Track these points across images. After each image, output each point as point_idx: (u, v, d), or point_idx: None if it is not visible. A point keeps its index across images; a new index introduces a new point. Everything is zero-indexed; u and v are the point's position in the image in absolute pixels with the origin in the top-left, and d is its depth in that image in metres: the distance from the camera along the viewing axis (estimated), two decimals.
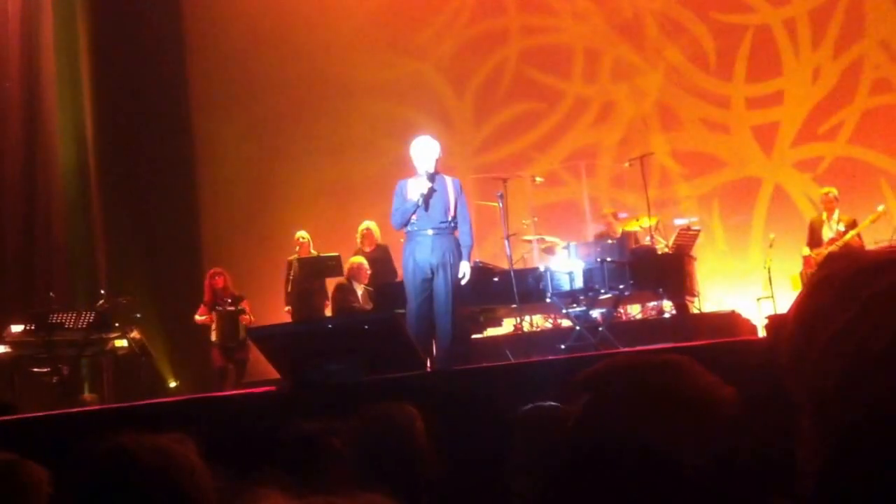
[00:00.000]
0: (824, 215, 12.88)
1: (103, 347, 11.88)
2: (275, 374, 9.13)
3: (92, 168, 14.84)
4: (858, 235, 12.51)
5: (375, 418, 3.83)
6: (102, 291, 12.93)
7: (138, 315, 12.83)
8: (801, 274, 12.61)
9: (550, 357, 9.50)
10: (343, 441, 3.87)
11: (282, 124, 16.42)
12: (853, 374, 1.31)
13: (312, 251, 13.22)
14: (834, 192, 12.91)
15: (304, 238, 13.24)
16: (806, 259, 12.68)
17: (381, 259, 12.58)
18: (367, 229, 12.85)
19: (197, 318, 12.81)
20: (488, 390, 7.02)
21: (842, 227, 12.64)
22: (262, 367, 10.78)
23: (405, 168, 9.51)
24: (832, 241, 12.53)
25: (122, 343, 11.97)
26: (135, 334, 12.24)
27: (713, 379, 1.85)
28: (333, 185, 16.03)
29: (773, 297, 12.98)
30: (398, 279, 11.58)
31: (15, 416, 7.88)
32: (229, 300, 12.80)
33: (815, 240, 12.78)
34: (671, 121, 15.60)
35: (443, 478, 3.91)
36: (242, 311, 12.76)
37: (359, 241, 12.87)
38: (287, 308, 13.06)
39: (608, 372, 1.85)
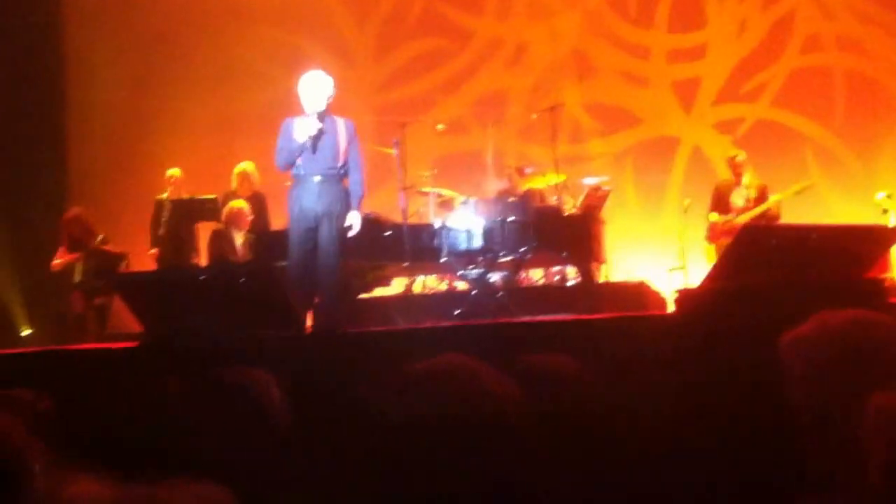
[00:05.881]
0: (732, 180, 12.84)
1: None
2: (139, 326, 8.92)
3: None
4: (777, 205, 12.49)
5: (221, 385, 3.66)
6: None
7: None
8: (716, 247, 12.57)
9: (443, 323, 9.41)
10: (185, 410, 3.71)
11: (159, 45, 15.81)
12: None
13: (184, 193, 12.91)
14: (742, 155, 12.85)
15: (175, 176, 12.90)
16: (713, 226, 12.66)
17: (255, 207, 12.26)
18: (245, 172, 12.52)
19: (56, 262, 12.35)
20: (371, 356, 6.92)
21: (753, 194, 12.61)
22: (126, 317, 10.53)
23: (296, 103, 9.26)
24: (745, 209, 12.51)
25: None
26: None
27: (497, 377, 2.15)
28: (216, 118, 15.52)
29: (685, 267, 13.00)
30: (270, 229, 11.41)
31: None
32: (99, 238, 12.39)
33: (722, 205, 12.71)
34: (586, 70, 15.49)
35: (304, 454, 3.79)
36: (124, 258, 12.38)
37: (234, 184, 12.55)
38: (152, 251, 12.76)
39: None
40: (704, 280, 8.47)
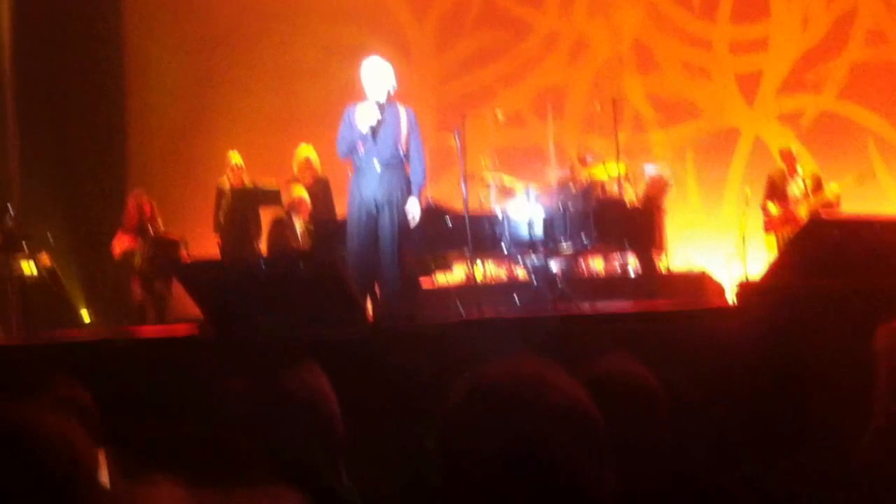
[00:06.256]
0: (786, 171, 12.67)
1: (9, 272, 11.54)
2: (199, 313, 8.87)
3: (7, 74, 14.30)
4: (836, 195, 12.31)
5: (278, 386, 3.55)
6: (11, 211, 12.46)
7: (50, 238, 12.49)
8: (776, 237, 12.41)
9: (507, 315, 9.32)
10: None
11: (220, 42, 15.88)
12: None
13: (246, 180, 12.80)
14: (794, 147, 12.78)
15: (237, 163, 12.79)
16: (770, 216, 12.50)
17: (320, 193, 12.19)
18: (307, 159, 12.40)
19: (116, 245, 12.30)
20: (434, 349, 6.83)
21: (809, 184, 12.44)
22: (186, 304, 10.52)
23: (354, 97, 9.19)
24: (801, 199, 12.33)
25: (30, 269, 11.63)
26: (45, 260, 11.91)
27: (569, 383, 2.07)
28: (275, 112, 15.55)
29: (745, 257, 12.83)
30: (335, 216, 11.32)
31: None
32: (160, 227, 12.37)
33: (777, 194, 12.56)
34: (648, 62, 15.33)
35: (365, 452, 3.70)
36: (183, 244, 12.35)
37: (296, 170, 12.44)
38: (216, 238, 12.70)
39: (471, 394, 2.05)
40: (767, 273, 8.31)
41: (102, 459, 2.42)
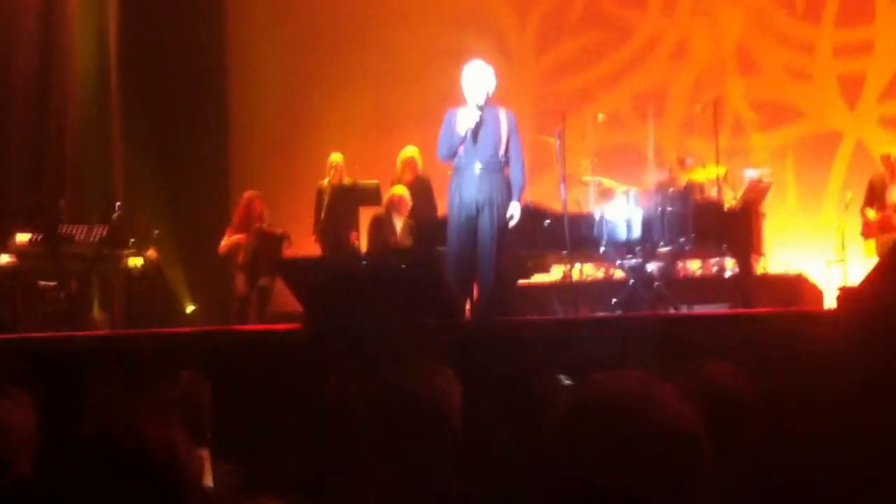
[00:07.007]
0: (887, 177, 12.46)
1: (116, 265, 11.74)
2: (300, 308, 8.94)
3: (113, 74, 14.58)
4: None
5: (401, 388, 3.40)
6: (118, 204, 12.63)
7: (156, 232, 12.67)
8: (876, 243, 12.21)
9: (599, 315, 9.29)
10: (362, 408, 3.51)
11: (321, 44, 16.06)
12: None
13: (346, 179, 12.85)
14: (895, 152, 12.56)
15: (337, 162, 12.86)
16: (868, 222, 12.30)
17: (421, 191, 12.23)
18: (411, 158, 12.48)
19: (224, 241, 12.43)
20: (528, 350, 6.80)
21: None
22: (288, 299, 10.61)
23: (457, 100, 9.23)
24: None
25: (136, 262, 11.81)
26: (151, 253, 12.09)
27: (676, 400, 2.00)
28: (375, 114, 15.70)
29: (844, 261, 12.65)
30: (437, 215, 11.34)
31: (8, 336, 7.77)
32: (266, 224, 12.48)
33: (876, 200, 12.37)
34: (750, 65, 15.16)
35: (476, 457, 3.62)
36: (287, 239, 12.46)
37: (399, 168, 12.52)
38: (315, 237, 12.76)
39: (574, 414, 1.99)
40: (866, 279, 8.17)
41: (207, 461, 2.40)
